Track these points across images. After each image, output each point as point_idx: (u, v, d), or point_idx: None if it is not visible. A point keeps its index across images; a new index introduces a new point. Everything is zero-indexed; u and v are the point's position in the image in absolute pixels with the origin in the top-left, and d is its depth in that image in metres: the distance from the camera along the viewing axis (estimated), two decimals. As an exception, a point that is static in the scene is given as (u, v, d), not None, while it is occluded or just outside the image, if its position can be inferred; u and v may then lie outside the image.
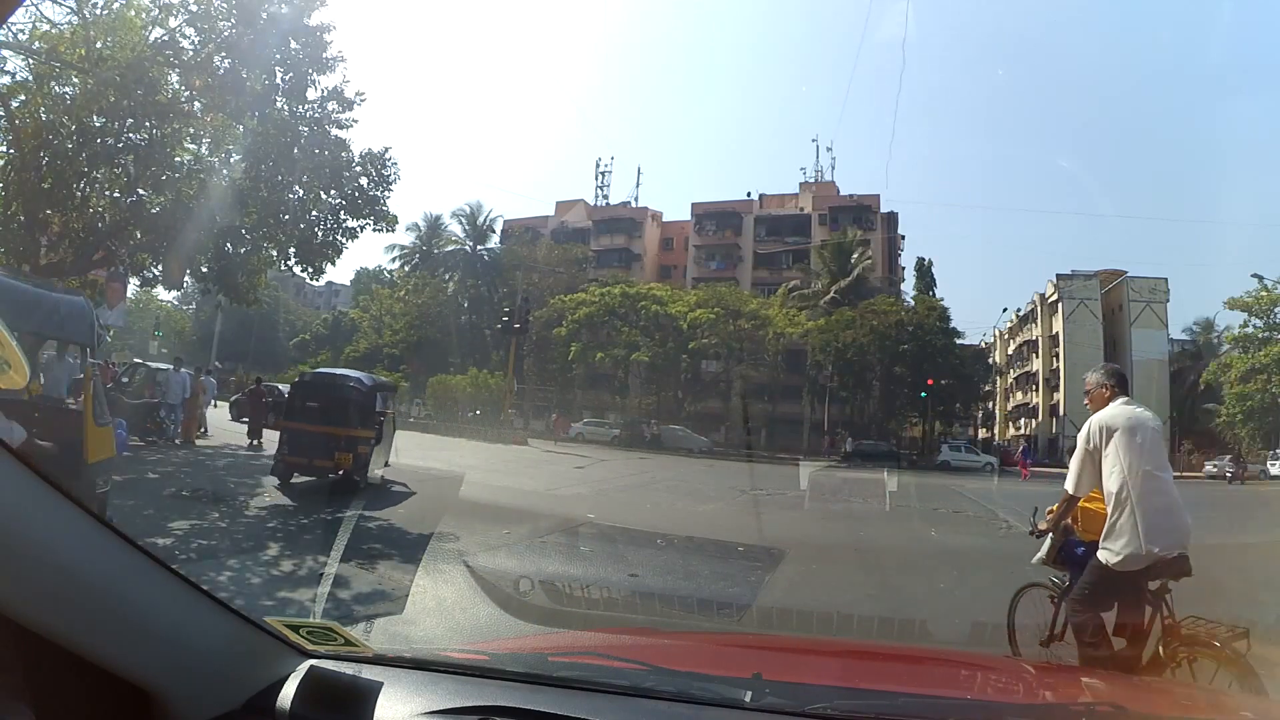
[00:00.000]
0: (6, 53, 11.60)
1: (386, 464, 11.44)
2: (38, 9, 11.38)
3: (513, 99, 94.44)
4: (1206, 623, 3.46)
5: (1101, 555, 3.68)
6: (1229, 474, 30.75)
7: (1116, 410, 3.85)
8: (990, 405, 50.52)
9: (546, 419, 37.73)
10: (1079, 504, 3.99)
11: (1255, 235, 63.62)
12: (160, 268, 13.60)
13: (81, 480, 4.15)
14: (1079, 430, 4.01)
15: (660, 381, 39.77)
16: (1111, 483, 3.69)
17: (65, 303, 4.32)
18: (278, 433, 11.13)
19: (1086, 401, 4.08)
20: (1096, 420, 3.87)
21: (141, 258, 13.35)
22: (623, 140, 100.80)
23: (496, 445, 25.16)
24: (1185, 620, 3.49)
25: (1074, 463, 3.96)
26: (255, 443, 15.07)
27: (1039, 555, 4.24)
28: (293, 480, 10.13)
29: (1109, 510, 3.71)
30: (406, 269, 50.64)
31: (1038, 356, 46.87)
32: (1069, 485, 3.99)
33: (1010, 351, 51.31)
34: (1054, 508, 4.13)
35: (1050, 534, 4.16)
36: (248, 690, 1.26)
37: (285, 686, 1.26)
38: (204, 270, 13.68)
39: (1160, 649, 3.45)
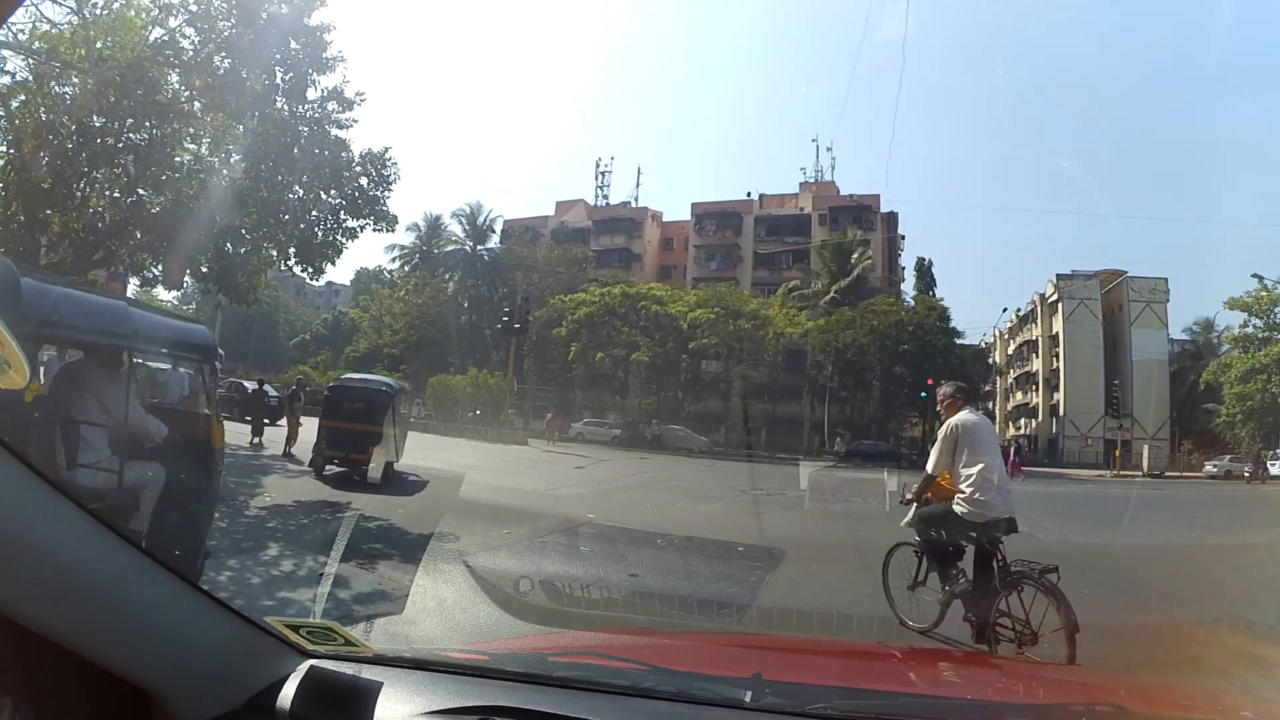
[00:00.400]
0: (6, 53, 11.60)
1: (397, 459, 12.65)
2: (38, 9, 11.38)
3: (513, 99, 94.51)
4: (1029, 563, 4.78)
5: (956, 508, 5.01)
6: (1246, 474, 30.54)
7: (965, 415, 5.25)
8: (990, 405, 50.53)
9: (545, 419, 37.74)
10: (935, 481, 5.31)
11: (1255, 235, 63.79)
12: (160, 268, 13.58)
13: (213, 461, 5.51)
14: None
15: (660, 381, 39.77)
16: (964, 465, 5.04)
17: (199, 332, 5.64)
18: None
19: (940, 408, 5.50)
20: (952, 422, 5.22)
21: (141, 258, 13.33)
22: (623, 140, 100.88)
23: (496, 445, 25.18)
24: (1015, 562, 4.82)
25: (935, 452, 5.30)
26: (256, 440, 15.17)
27: (906, 520, 5.50)
28: (325, 471, 11.59)
29: (962, 483, 5.02)
30: (406, 269, 50.66)
31: (1038, 356, 46.86)
32: (930, 468, 5.36)
33: (1010, 351, 51.30)
34: (918, 485, 5.50)
35: (915, 503, 5.43)
36: (248, 690, 1.26)
37: (285, 686, 1.26)
38: (204, 270, 13.66)
39: (996, 581, 4.77)
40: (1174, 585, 7.99)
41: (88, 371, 4.57)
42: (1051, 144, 66.40)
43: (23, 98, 11.58)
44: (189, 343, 5.29)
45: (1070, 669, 3.35)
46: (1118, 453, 35.83)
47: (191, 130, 12.60)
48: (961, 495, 5.00)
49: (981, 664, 2.62)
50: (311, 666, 1.30)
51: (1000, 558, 4.87)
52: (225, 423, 6.47)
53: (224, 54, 11.89)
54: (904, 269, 46.79)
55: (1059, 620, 4.27)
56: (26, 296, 3.66)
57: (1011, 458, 30.62)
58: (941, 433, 5.32)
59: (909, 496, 5.60)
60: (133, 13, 11.74)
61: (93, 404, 4.42)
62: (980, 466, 4.98)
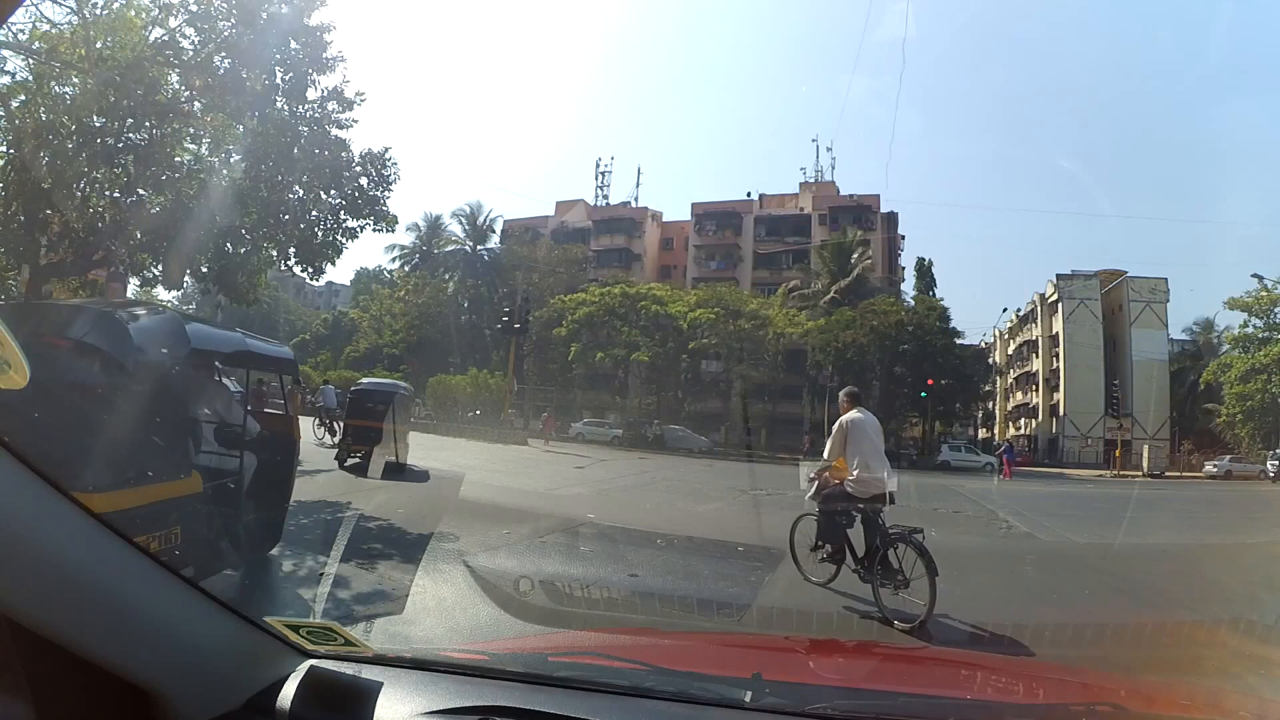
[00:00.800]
0: (6, 53, 11.58)
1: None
2: (38, 9, 11.35)
3: (513, 99, 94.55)
4: (901, 526, 5.93)
5: (848, 486, 6.25)
6: (1271, 474, 30.33)
7: (853, 415, 6.53)
8: (990, 405, 50.52)
9: (541, 419, 37.72)
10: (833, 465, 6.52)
11: (1255, 235, 63.87)
12: (160, 268, 13.54)
13: (293, 446, 6.93)
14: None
15: (660, 381, 39.78)
16: (853, 452, 6.32)
17: (285, 351, 7.46)
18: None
19: (841, 410, 6.74)
20: (843, 420, 6.54)
21: (141, 258, 13.29)
22: (623, 140, 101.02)
23: (496, 445, 25.17)
24: (892, 527, 6.00)
25: (830, 443, 6.58)
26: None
27: (809, 495, 6.72)
28: (347, 463, 13.09)
29: (850, 466, 6.29)
30: (406, 269, 50.66)
31: (1038, 356, 46.87)
32: (827, 455, 6.57)
33: (1010, 351, 51.31)
34: (818, 469, 6.74)
35: (816, 482, 6.66)
36: (248, 690, 1.26)
37: (285, 686, 1.26)
38: (204, 270, 13.61)
39: (878, 540, 5.92)
40: (1174, 585, 8.00)
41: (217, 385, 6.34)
42: (1051, 144, 66.66)
43: (23, 98, 11.55)
44: (279, 359, 6.87)
45: (1070, 669, 3.35)
46: (1118, 453, 35.83)
47: (191, 130, 12.57)
48: (850, 477, 6.26)
49: (982, 664, 2.62)
50: (311, 666, 1.30)
51: (881, 523, 6.08)
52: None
53: (224, 54, 11.86)
54: (904, 269, 46.90)
55: (923, 569, 5.51)
56: (192, 339, 4.94)
57: (1003, 458, 30.71)
58: (835, 428, 6.62)
59: (811, 477, 6.78)
60: (133, 13, 11.72)
61: (217, 408, 5.87)
62: (861, 455, 6.27)
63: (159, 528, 4.05)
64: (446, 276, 48.43)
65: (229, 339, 5.96)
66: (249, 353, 6.07)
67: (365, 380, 18.85)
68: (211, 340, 5.62)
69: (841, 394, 6.97)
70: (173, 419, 4.85)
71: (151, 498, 4.10)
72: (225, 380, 7.07)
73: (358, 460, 13.04)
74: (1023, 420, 49.30)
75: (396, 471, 12.83)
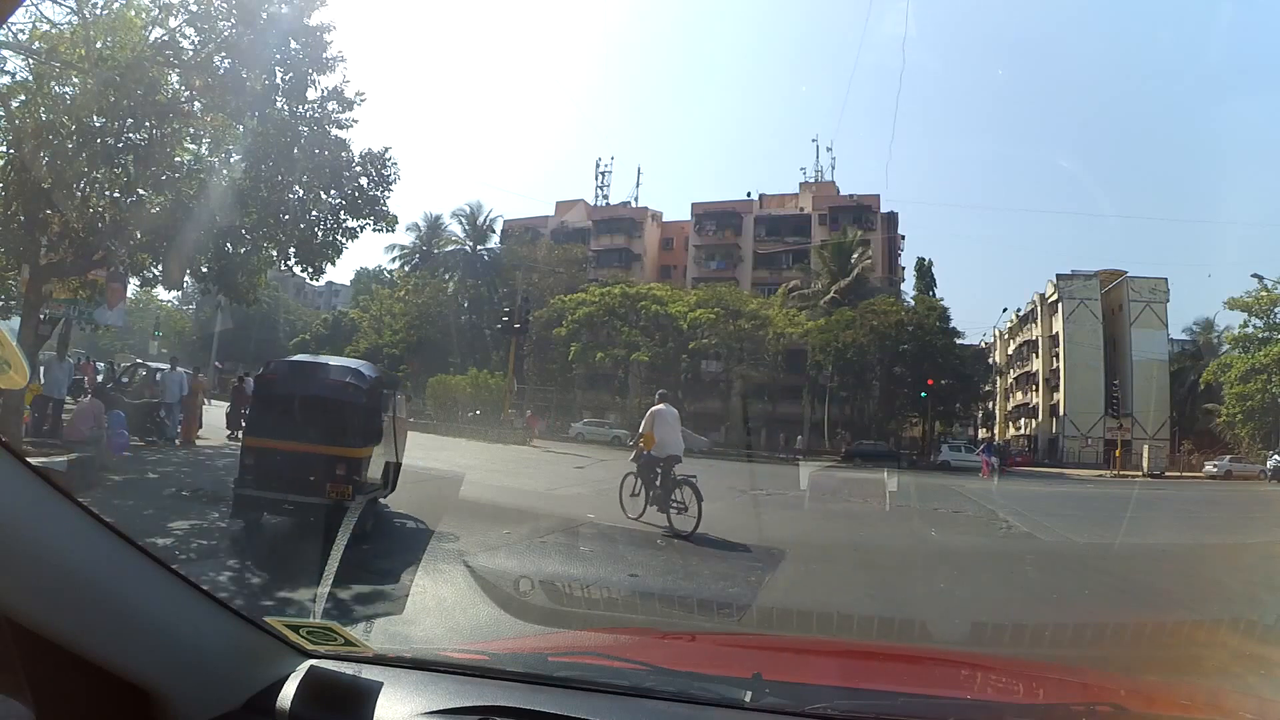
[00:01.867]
0: (6, 53, 11.59)
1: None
2: (38, 9, 11.37)
3: (513, 99, 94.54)
4: (684, 475, 9.22)
5: (653, 451, 9.42)
6: (1269, 473, 30.23)
7: (660, 407, 9.93)
8: (990, 405, 50.51)
9: (548, 418, 37.69)
10: (644, 437, 9.70)
11: (1255, 235, 63.88)
12: (160, 268, 13.56)
13: (403, 443, 9.47)
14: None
15: (660, 381, 39.68)
16: (657, 431, 9.57)
17: (393, 375, 10.93)
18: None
19: (655, 403, 10.19)
20: (653, 410, 9.91)
21: (141, 258, 13.30)
22: (623, 140, 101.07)
23: (496, 445, 25.16)
24: (679, 476, 9.25)
25: (643, 424, 9.85)
26: (230, 434, 15.62)
27: (631, 458, 9.98)
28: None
29: (655, 438, 9.49)
30: (406, 269, 50.66)
31: (1038, 356, 46.87)
32: (642, 430, 9.79)
33: (1010, 351, 51.29)
34: (636, 439, 10.10)
35: (637, 447, 9.80)
36: (248, 690, 1.26)
37: (285, 686, 1.26)
38: (204, 270, 13.63)
39: (670, 484, 9.08)
40: (1174, 585, 8.00)
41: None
42: (1051, 144, 66.61)
43: (23, 98, 11.56)
44: (393, 381, 10.24)
45: (1070, 669, 3.35)
46: (1118, 453, 35.83)
47: (191, 130, 12.58)
48: (654, 447, 9.51)
49: (981, 664, 2.62)
50: (311, 666, 1.30)
51: (672, 474, 9.27)
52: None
53: (224, 54, 11.88)
54: (904, 269, 46.90)
55: (695, 500, 8.88)
56: (369, 374, 8.43)
57: (984, 458, 30.78)
58: (648, 414, 9.97)
59: (632, 444, 10.65)
60: (133, 13, 11.73)
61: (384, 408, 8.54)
62: (660, 433, 9.62)
63: (371, 469, 7.56)
64: (446, 276, 48.42)
65: (379, 372, 9.33)
66: (384, 378, 9.30)
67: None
68: (374, 372, 8.79)
69: (656, 394, 10.91)
70: (372, 414, 7.88)
71: (369, 452, 7.55)
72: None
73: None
74: (1023, 420, 49.29)
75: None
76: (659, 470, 9.31)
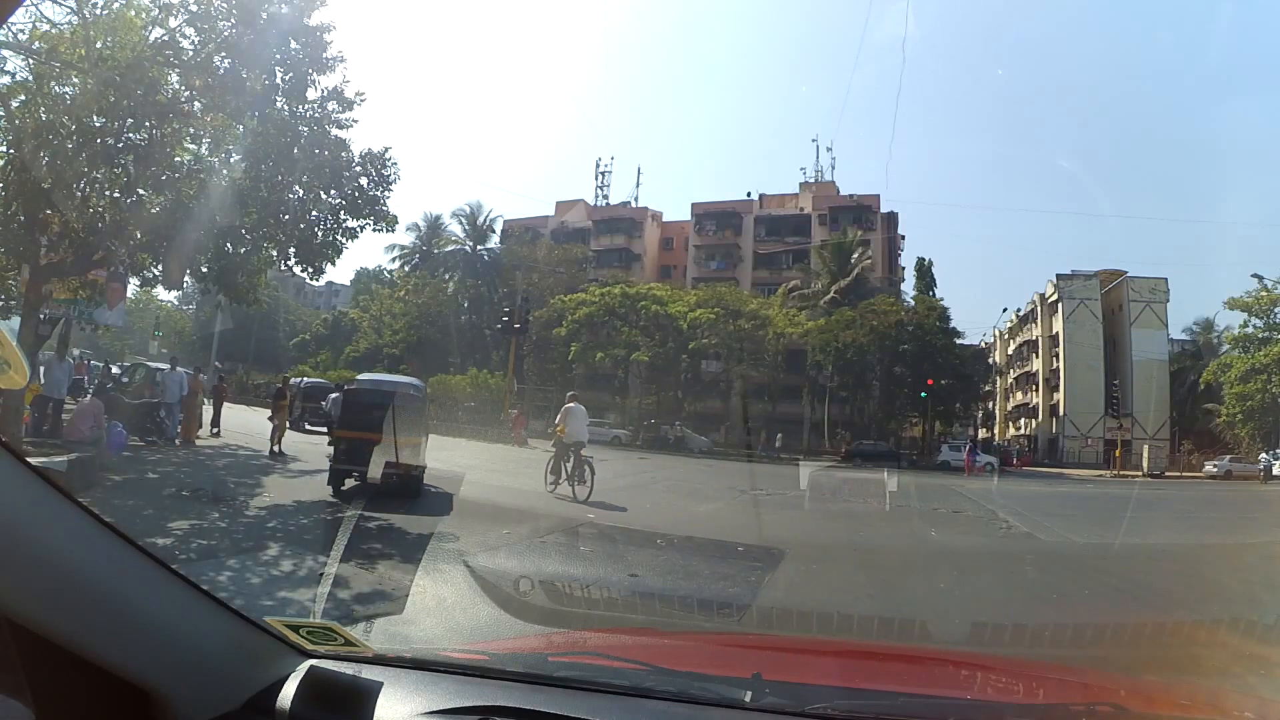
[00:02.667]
0: (6, 53, 11.57)
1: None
2: (38, 9, 11.35)
3: (513, 99, 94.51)
4: (585, 458, 12.05)
5: (564, 440, 12.27)
6: (1261, 472, 30.17)
7: (570, 405, 12.83)
8: (990, 405, 50.50)
9: (548, 418, 37.66)
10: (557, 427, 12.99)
11: (1255, 235, 63.87)
12: (160, 268, 13.55)
13: (426, 443, 11.53)
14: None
15: (660, 381, 39.76)
16: (568, 424, 12.39)
17: (422, 383, 14.03)
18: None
19: (566, 402, 13.14)
20: (565, 407, 12.83)
21: (141, 258, 13.29)
22: (623, 140, 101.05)
23: (496, 445, 25.16)
24: (583, 458, 12.17)
25: (559, 417, 12.78)
26: (215, 431, 16.38)
27: (552, 444, 13.01)
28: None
29: (566, 429, 12.32)
30: (406, 269, 50.63)
31: (1038, 356, 46.85)
32: (558, 422, 12.80)
33: (1010, 351, 51.28)
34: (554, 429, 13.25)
35: (556, 435, 12.77)
36: (248, 690, 1.26)
37: (285, 686, 1.26)
38: (204, 270, 13.61)
39: (587, 468, 11.90)
40: (1174, 585, 8.00)
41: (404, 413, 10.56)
42: (1051, 144, 66.52)
43: (23, 98, 11.54)
44: (425, 391, 13.71)
45: (1070, 669, 3.34)
46: (1118, 453, 35.83)
47: (191, 130, 12.56)
48: (566, 435, 12.17)
49: (981, 664, 2.62)
50: (311, 666, 1.30)
51: (579, 455, 11.95)
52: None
53: (224, 54, 11.86)
54: (904, 269, 46.84)
55: (590, 474, 11.74)
56: (417, 386, 13.33)
57: (967, 457, 31.18)
58: (562, 410, 12.73)
59: (549, 431, 13.44)
60: (133, 13, 11.71)
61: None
62: (570, 425, 12.28)
63: (422, 454, 10.55)
64: (446, 276, 48.40)
65: (418, 383, 13.74)
66: (425, 389, 13.48)
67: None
68: (420, 385, 13.48)
69: (567, 395, 13.89)
70: (420, 414, 11.50)
71: (419, 440, 10.59)
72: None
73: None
74: (1023, 420, 49.27)
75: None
76: (570, 453, 12.09)
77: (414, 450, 10.40)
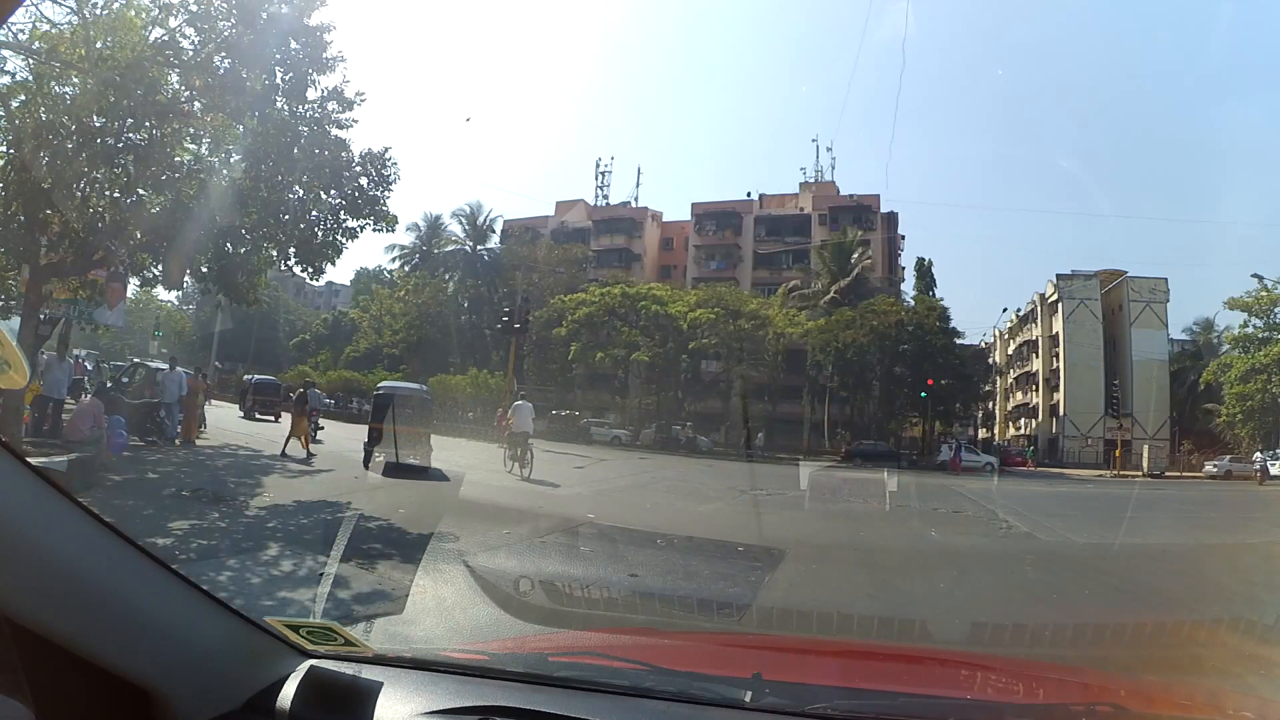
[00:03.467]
0: (6, 53, 11.57)
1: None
2: (38, 9, 11.35)
3: (513, 99, 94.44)
4: (530, 445, 15.26)
5: (513, 429, 15.88)
6: (1257, 472, 30.03)
7: (518, 401, 17.12)
8: (990, 405, 50.49)
9: (548, 419, 37.65)
10: (505, 419, 18.32)
11: (1255, 235, 63.82)
12: (160, 268, 13.56)
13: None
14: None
15: (660, 381, 39.73)
16: (515, 417, 16.07)
17: (425, 388, 18.16)
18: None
19: (518, 401, 17.28)
20: (514, 404, 17.21)
21: (141, 258, 13.30)
22: (623, 140, 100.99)
23: (496, 445, 25.12)
24: (528, 447, 15.26)
25: (509, 412, 17.37)
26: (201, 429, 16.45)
27: (505, 436, 17.31)
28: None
29: (514, 422, 15.94)
30: (406, 269, 50.62)
31: (1038, 356, 46.83)
32: (507, 416, 17.58)
33: (1010, 351, 51.25)
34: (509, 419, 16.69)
35: (506, 427, 17.45)
36: (248, 690, 1.26)
37: (285, 686, 1.26)
38: (204, 270, 13.62)
39: (529, 453, 15.14)
40: (1174, 585, 8.00)
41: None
42: (1051, 144, 66.44)
43: (23, 98, 11.54)
44: (429, 396, 17.71)
45: (1070, 669, 3.34)
46: (1118, 453, 35.81)
47: (191, 130, 12.55)
48: (515, 426, 15.56)
49: (981, 664, 2.62)
50: (311, 666, 1.30)
51: (525, 444, 15.08)
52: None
53: (224, 54, 11.85)
54: (904, 269, 46.79)
55: (532, 460, 14.85)
56: (426, 391, 18.03)
57: (954, 456, 31.92)
58: (513, 407, 16.50)
59: (498, 424, 19.74)
60: (133, 13, 11.70)
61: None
62: (517, 419, 15.71)
63: (428, 441, 14.25)
64: (446, 276, 48.39)
65: (425, 389, 18.04)
66: (425, 390, 17.48)
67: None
68: (427, 392, 17.68)
69: (518, 392, 20.80)
70: (429, 411, 15.98)
71: (426, 431, 14.57)
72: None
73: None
74: (1023, 420, 49.24)
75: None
76: (518, 441, 15.20)
77: (423, 438, 14.32)
